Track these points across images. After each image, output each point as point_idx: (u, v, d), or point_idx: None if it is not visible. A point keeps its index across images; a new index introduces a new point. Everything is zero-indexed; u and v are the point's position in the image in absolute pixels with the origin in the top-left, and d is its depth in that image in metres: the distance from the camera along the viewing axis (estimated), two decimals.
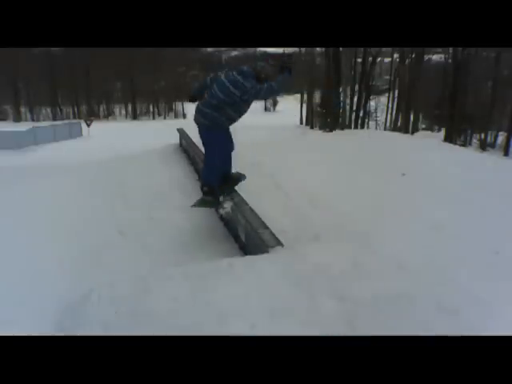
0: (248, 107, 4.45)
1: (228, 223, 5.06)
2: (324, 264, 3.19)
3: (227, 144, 4.60)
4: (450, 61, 30.58)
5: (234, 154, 4.77)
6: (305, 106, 44.51)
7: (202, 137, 4.59)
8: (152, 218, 5.46)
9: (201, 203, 4.80)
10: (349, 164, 7.45)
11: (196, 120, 4.51)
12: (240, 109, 4.37)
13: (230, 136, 4.63)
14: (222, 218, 5.10)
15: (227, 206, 4.65)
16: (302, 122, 44.48)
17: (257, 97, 4.30)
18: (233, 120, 4.44)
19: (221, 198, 4.77)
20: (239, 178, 4.96)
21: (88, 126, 33.52)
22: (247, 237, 4.23)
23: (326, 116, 32.85)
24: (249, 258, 3.59)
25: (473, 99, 28.45)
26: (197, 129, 4.57)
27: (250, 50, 62.86)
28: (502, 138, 28.27)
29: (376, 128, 34.85)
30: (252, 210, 4.33)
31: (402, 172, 6.64)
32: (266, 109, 62.36)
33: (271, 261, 3.29)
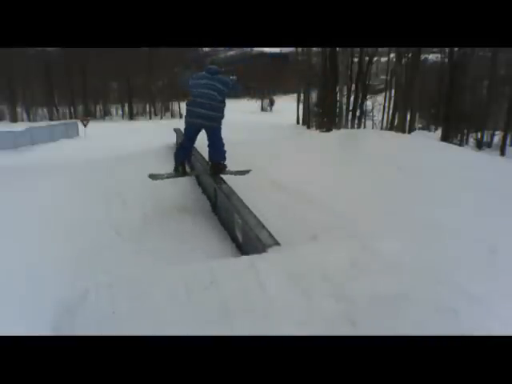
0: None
1: (225, 223, 5.06)
2: (322, 264, 3.18)
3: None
4: (446, 60, 30.66)
5: (229, 155, 5.49)
6: (301, 105, 44.44)
7: (209, 134, 5.26)
8: (149, 218, 5.45)
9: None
10: (346, 164, 7.46)
11: (202, 124, 5.15)
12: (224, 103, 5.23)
13: None
14: (220, 220, 5.16)
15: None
16: (298, 122, 44.41)
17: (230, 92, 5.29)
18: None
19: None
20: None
21: (84, 126, 33.38)
22: (244, 236, 4.22)
23: (323, 116, 32.85)
24: (246, 257, 3.58)
25: (469, 98, 28.53)
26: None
27: (247, 49, 62.78)
28: (498, 137, 28.35)
29: (373, 127, 34.87)
30: (249, 210, 4.32)
31: (400, 171, 6.65)
32: (262, 108, 61.97)
33: (269, 260, 3.28)
